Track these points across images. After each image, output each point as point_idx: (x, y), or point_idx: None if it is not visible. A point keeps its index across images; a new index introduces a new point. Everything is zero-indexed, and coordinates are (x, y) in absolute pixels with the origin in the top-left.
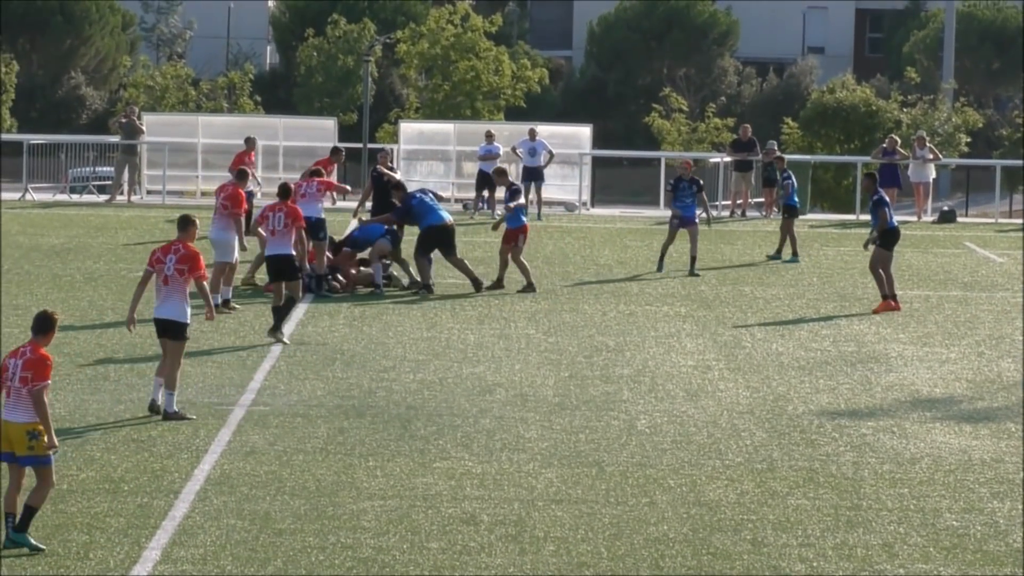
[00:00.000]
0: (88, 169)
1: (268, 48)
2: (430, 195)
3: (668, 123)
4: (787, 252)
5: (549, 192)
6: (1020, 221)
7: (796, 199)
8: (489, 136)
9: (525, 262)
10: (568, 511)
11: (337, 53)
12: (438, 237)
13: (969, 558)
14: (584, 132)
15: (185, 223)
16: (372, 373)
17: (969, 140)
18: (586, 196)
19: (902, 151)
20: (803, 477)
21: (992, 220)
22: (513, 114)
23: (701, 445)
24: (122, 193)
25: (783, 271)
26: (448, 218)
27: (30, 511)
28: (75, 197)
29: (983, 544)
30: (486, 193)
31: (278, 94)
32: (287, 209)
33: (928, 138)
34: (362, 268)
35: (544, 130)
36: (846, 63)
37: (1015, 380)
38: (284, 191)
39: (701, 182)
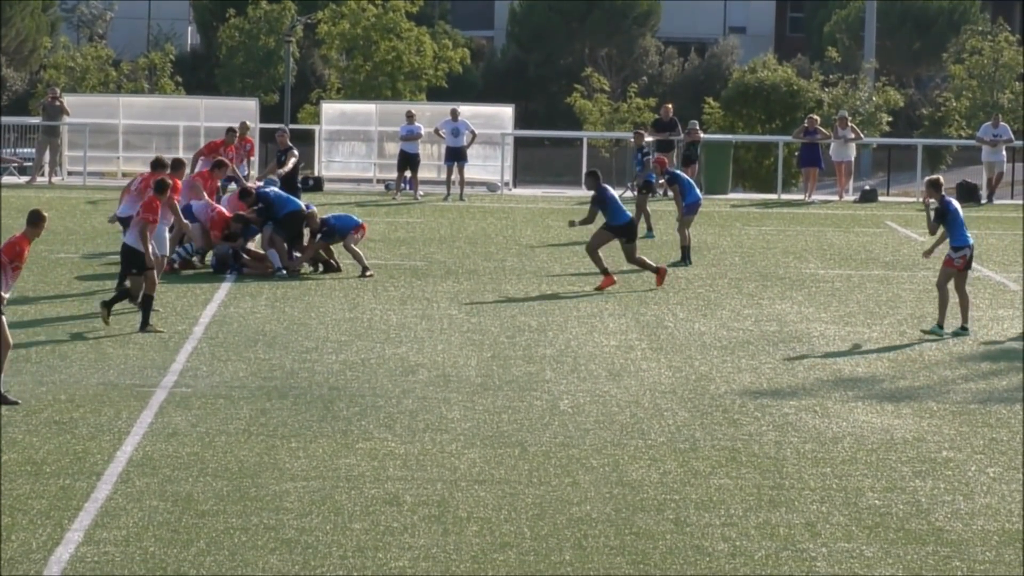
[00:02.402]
0: (9, 150)
1: (189, 29)
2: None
3: (590, 103)
4: (643, 227)
5: (471, 172)
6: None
7: (653, 176)
8: (410, 116)
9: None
10: (491, 491)
11: (258, 33)
12: (298, 222)
13: (891, 537)
14: (506, 112)
15: (34, 219)
16: (294, 354)
17: (890, 120)
18: (508, 176)
19: (823, 130)
20: (725, 457)
21: (914, 199)
22: (435, 94)
23: (624, 425)
24: (43, 174)
25: (704, 251)
26: (303, 205)
27: None
28: None
29: (905, 523)
30: (408, 174)
31: (199, 75)
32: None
33: (850, 118)
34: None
35: (466, 110)
36: (767, 43)
37: (936, 359)
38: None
39: (671, 174)
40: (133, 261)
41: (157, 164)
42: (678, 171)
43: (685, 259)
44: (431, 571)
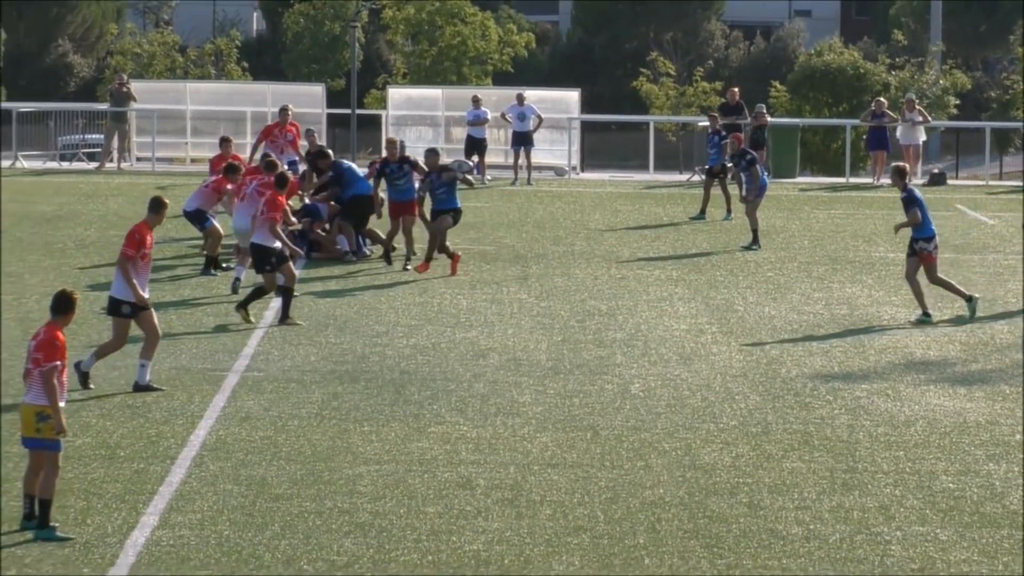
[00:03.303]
0: (77, 136)
1: (254, 14)
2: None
3: (656, 87)
4: (721, 212)
5: (538, 157)
6: (1012, 183)
7: (718, 159)
8: (476, 101)
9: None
10: (564, 475)
11: (323, 19)
12: (364, 206)
13: (966, 520)
14: (572, 96)
15: (155, 206)
16: (365, 338)
17: (958, 103)
18: (575, 161)
19: (891, 114)
20: (798, 440)
21: (983, 182)
22: (500, 79)
23: (695, 409)
24: (111, 160)
25: (773, 235)
26: (371, 190)
27: (44, 505)
28: (65, 164)
29: (980, 506)
30: (475, 158)
31: (265, 61)
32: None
33: (917, 100)
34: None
35: (532, 95)
36: (833, 26)
37: (1009, 342)
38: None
39: (751, 155)
40: (264, 259)
41: (268, 167)
42: (755, 155)
43: (755, 242)
44: (505, 554)
